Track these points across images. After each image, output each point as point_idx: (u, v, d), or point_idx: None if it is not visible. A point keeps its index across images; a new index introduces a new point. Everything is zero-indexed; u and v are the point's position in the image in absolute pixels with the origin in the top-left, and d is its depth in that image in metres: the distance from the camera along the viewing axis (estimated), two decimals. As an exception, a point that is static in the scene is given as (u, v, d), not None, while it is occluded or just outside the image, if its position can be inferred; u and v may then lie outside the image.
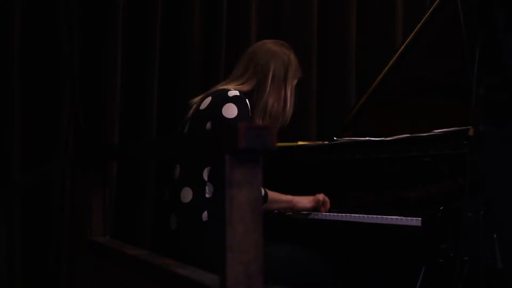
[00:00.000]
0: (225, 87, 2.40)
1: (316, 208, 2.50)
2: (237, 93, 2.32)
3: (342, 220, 2.41)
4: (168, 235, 2.38)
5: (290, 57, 2.49)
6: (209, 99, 2.36)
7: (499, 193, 1.75)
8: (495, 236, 1.88)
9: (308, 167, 2.75)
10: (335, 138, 2.77)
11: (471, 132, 2.09)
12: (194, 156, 2.32)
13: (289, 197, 2.48)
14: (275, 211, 2.59)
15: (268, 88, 2.43)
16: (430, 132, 2.28)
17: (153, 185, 3.14)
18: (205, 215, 2.26)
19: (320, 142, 2.90)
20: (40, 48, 2.99)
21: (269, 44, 2.52)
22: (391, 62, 2.81)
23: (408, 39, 2.76)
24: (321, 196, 2.51)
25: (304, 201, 2.49)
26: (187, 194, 2.30)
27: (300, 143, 2.87)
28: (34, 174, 2.95)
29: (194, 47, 3.25)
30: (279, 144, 2.63)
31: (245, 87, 2.41)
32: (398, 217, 2.27)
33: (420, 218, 2.16)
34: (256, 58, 2.46)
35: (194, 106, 2.43)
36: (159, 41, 3.16)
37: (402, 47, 2.79)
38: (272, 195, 2.42)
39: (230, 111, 2.28)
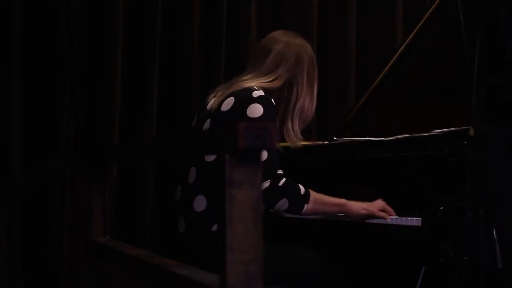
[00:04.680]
0: (249, 84, 2.34)
1: (370, 216, 2.31)
2: (261, 93, 2.27)
3: (342, 221, 2.41)
4: (174, 237, 2.36)
5: (313, 53, 2.49)
6: (231, 99, 2.30)
7: (502, 193, 1.75)
8: (495, 236, 1.88)
9: (308, 167, 2.75)
10: (335, 138, 2.77)
11: (471, 132, 2.08)
12: (206, 158, 2.28)
13: (341, 201, 2.32)
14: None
15: (304, 89, 2.41)
16: (430, 132, 2.28)
17: (153, 185, 3.14)
18: (215, 227, 2.24)
19: (320, 142, 2.90)
20: (40, 48, 2.99)
21: (297, 39, 2.47)
22: (391, 62, 2.81)
23: (408, 39, 2.76)
24: (379, 203, 2.32)
25: (357, 206, 2.31)
26: (200, 203, 2.25)
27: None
28: (34, 174, 2.95)
29: (194, 47, 3.25)
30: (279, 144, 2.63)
31: (276, 84, 2.37)
32: (398, 217, 2.27)
33: (420, 218, 2.16)
34: (288, 55, 2.41)
35: (215, 104, 2.34)
36: (159, 41, 3.16)
37: (402, 47, 2.79)
38: (319, 197, 2.30)
39: (255, 110, 2.22)
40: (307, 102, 2.43)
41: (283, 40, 2.45)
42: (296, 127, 2.42)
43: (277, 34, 2.51)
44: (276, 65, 2.41)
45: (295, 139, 2.43)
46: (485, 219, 1.80)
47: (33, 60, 2.97)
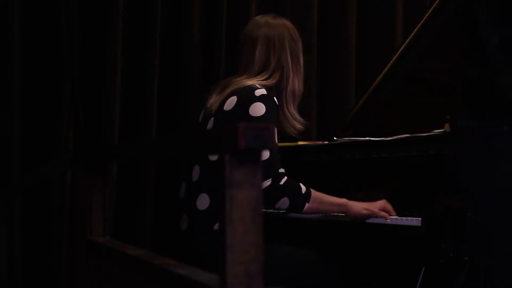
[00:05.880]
0: (249, 83, 2.33)
1: (371, 216, 2.31)
2: (264, 91, 2.26)
3: (342, 221, 2.41)
4: (176, 235, 2.36)
5: (294, 29, 2.46)
6: (234, 98, 2.29)
7: (483, 189, 1.74)
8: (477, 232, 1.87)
9: (308, 167, 2.75)
10: (335, 138, 2.77)
11: (446, 128, 2.09)
12: (210, 158, 2.28)
13: (342, 201, 2.31)
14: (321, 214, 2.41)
15: (291, 72, 2.39)
16: (430, 132, 2.28)
17: (153, 185, 3.15)
18: (217, 225, 2.23)
19: (320, 142, 2.90)
20: (40, 48, 2.99)
21: (276, 20, 2.46)
22: (391, 62, 2.81)
23: (408, 39, 2.76)
24: (380, 203, 2.32)
25: (358, 206, 2.31)
26: (203, 201, 2.25)
27: (300, 143, 2.87)
28: (34, 174, 2.95)
29: (194, 47, 3.25)
30: (279, 144, 2.63)
31: (272, 81, 2.37)
32: (398, 217, 2.27)
33: (420, 218, 2.16)
34: (273, 43, 2.39)
35: (217, 103, 2.34)
36: (159, 41, 3.16)
37: (402, 47, 2.79)
38: (320, 196, 2.29)
39: (258, 109, 2.22)
40: (296, 82, 2.41)
41: (262, 22, 2.44)
42: (292, 110, 2.42)
43: (252, 28, 2.48)
44: (266, 57, 2.39)
45: (295, 122, 2.42)
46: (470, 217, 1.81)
47: (33, 60, 2.97)
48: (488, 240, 1.70)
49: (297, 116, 2.42)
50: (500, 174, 1.65)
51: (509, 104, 1.54)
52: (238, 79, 2.39)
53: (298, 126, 2.43)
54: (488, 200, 1.69)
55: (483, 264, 1.72)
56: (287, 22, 2.47)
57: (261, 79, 2.36)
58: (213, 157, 2.26)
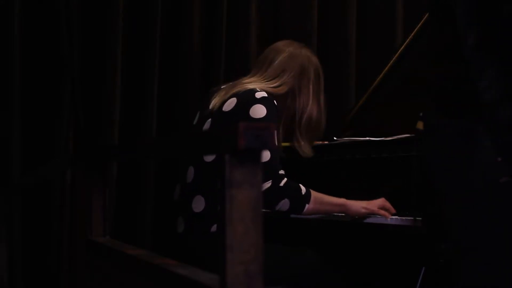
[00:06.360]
0: (252, 86, 2.34)
1: (371, 214, 2.34)
2: (264, 94, 2.27)
3: (343, 221, 2.41)
4: (174, 236, 2.36)
5: (319, 65, 2.50)
6: (233, 100, 2.29)
7: (450, 188, 1.73)
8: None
9: (308, 167, 2.75)
10: (335, 138, 2.77)
11: (419, 125, 2.08)
12: (205, 158, 2.28)
13: (341, 200, 2.33)
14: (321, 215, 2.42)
15: (311, 100, 2.42)
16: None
17: (153, 185, 3.14)
18: (214, 227, 2.24)
19: (320, 142, 2.90)
20: (40, 48, 2.99)
21: (302, 50, 2.48)
22: (391, 62, 2.81)
23: (408, 39, 2.76)
24: (379, 201, 2.34)
25: (357, 206, 2.32)
26: (199, 204, 2.25)
27: (300, 143, 2.86)
28: (34, 174, 2.95)
29: (194, 47, 3.25)
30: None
31: (280, 90, 2.38)
32: (398, 217, 2.27)
33: (420, 218, 2.16)
34: (292, 65, 2.42)
35: (217, 104, 2.34)
36: (159, 41, 3.16)
37: (402, 47, 2.79)
38: (320, 196, 2.30)
39: (259, 111, 2.23)
40: (314, 112, 2.44)
41: (287, 50, 2.45)
42: (305, 140, 2.44)
43: (281, 44, 2.51)
44: (281, 71, 2.41)
45: (305, 150, 2.45)
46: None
47: (33, 60, 2.97)
48: (466, 240, 1.70)
49: (306, 146, 2.45)
50: (475, 172, 1.65)
51: (485, 106, 1.54)
52: (247, 80, 2.40)
53: (306, 153, 2.46)
54: (462, 199, 1.69)
55: (466, 262, 1.71)
56: (312, 55, 2.51)
57: (270, 85, 2.37)
58: (208, 158, 2.26)
